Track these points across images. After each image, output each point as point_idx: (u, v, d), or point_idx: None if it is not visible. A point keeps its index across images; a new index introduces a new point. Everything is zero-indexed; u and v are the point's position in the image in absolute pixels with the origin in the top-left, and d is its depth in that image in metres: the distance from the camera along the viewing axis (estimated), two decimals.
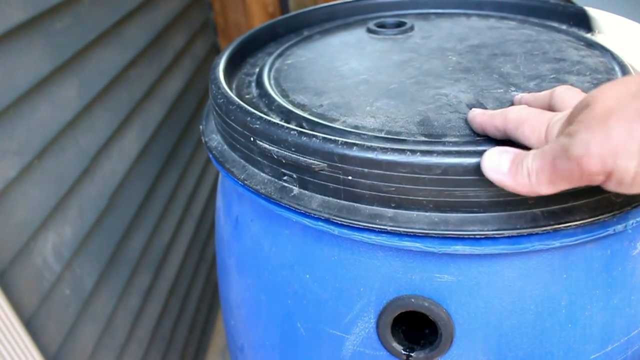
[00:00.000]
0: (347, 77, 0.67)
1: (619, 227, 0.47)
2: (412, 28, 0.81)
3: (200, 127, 0.67)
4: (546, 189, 0.39)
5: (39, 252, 0.87)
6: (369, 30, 0.81)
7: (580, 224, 0.46)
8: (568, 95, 0.47)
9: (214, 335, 1.76)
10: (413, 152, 0.44)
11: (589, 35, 0.74)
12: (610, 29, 0.73)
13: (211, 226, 1.74)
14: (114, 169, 1.12)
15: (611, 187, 0.37)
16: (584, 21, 0.77)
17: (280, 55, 0.76)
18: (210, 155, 0.61)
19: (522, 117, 0.45)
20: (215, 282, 1.77)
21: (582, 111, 0.37)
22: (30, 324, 0.84)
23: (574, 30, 0.77)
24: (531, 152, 0.40)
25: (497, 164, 0.42)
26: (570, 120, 0.39)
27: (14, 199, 0.82)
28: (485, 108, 0.55)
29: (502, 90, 0.59)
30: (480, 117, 0.50)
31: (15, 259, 0.81)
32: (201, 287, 1.64)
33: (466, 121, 0.53)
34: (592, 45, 0.69)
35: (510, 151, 0.42)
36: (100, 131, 1.07)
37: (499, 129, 0.47)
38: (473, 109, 0.52)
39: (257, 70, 0.73)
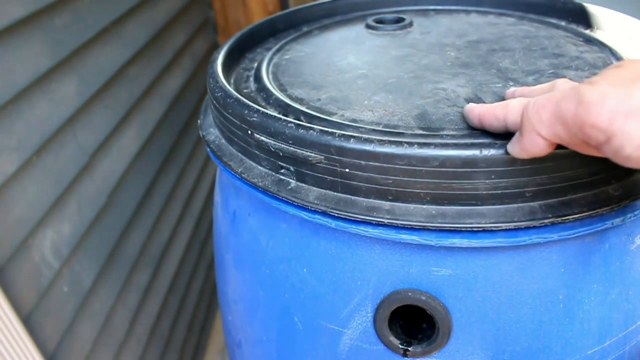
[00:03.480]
0: (346, 72, 0.66)
1: (617, 221, 0.47)
2: (411, 24, 0.81)
3: (198, 121, 0.66)
4: (545, 130, 0.38)
5: (37, 249, 0.87)
6: (368, 26, 0.81)
7: (579, 217, 0.45)
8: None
9: (213, 334, 1.76)
10: (410, 144, 0.44)
11: (587, 32, 0.74)
12: (609, 25, 0.73)
13: (210, 224, 1.73)
14: (113, 166, 1.12)
15: (606, 151, 0.35)
16: (582, 17, 0.77)
17: (278, 50, 0.75)
18: (208, 149, 0.60)
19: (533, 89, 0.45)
20: (214, 280, 1.77)
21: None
22: (29, 321, 0.84)
23: (573, 26, 0.76)
24: (530, 99, 0.40)
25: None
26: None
27: (12, 195, 0.82)
28: (484, 102, 0.55)
29: (500, 85, 0.59)
30: (479, 108, 0.49)
31: (14, 255, 0.81)
32: (200, 286, 1.64)
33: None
34: (591, 41, 0.69)
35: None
36: (99, 128, 1.07)
37: (499, 118, 0.46)
38: (469, 104, 0.52)
39: (255, 65, 0.72)
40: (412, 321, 0.55)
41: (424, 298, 0.50)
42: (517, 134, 0.42)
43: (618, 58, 0.62)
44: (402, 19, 0.82)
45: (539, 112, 0.38)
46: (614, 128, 0.34)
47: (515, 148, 0.42)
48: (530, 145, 0.40)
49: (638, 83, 0.33)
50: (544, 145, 0.40)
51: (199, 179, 1.65)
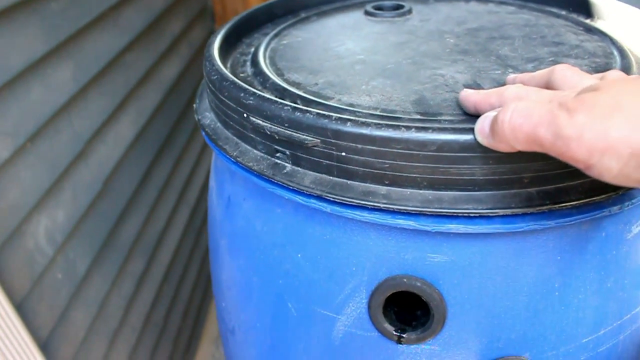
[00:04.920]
0: (343, 57, 0.66)
1: (615, 209, 0.47)
2: (410, 11, 0.80)
3: (194, 105, 0.66)
4: (520, 147, 0.39)
5: (31, 236, 0.87)
6: (367, 13, 0.81)
7: (576, 204, 0.45)
8: (570, 73, 0.45)
9: (207, 323, 1.76)
10: (408, 128, 0.44)
11: (588, 21, 0.73)
12: (610, 15, 0.72)
13: (206, 213, 1.73)
14: (108, 153, 1.11)
15: (586, 172, 0.36)
16: (583, 7, 0.76)
17: (276, 35, 0.75)
18: (203, 133, 0.60)
19: (521, 94, 0.44)
20: (209, 269, 1.76)
21: (588, 92, 0.36)
22: (22, 308, 0.83)
23: (574, 15, 0.76)
24: (512, 105, 0.39)
25: (481, 122, 0.42)
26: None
27: (6, 181, 0.81)
28: (482, 88, 0.55)
29: (499, 72, 0.58)
30: (475, 96, 0.48)
31: (7, 242, 0.81)
32: (195, 275, 1.64)
33: None
34: (591, 30, 0.69)
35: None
36: (95, 115, 1.06)
37: (495, 107, 0.45)
38: (465, 89, 0.51)
39: (252, 49, 0.72)
40: (407, 308, 0.55)
41: (419, 284, 0.50)
42: (491, 120, 0.41)
43: (618, 47, 0.62)
44: (401, 6, 0.81)
45: (515, 130, 0.38)
46: (592, 162, 0.34)
47: (484, 139, 0.42)
48: (502, 149, 0.41)
49: (616, 115, 0.33)
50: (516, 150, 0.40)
51: (195, 167, 1.65)
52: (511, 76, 0.53)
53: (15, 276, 0.82)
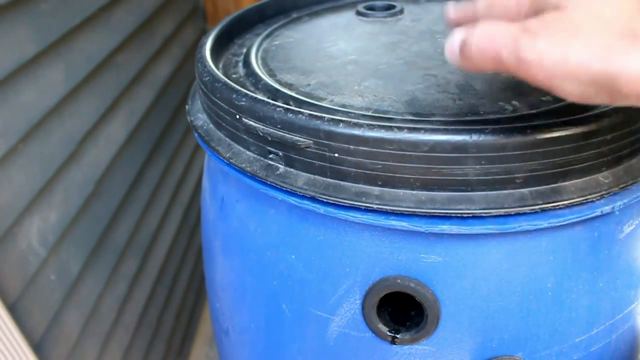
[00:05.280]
0: (335, 58, 0.66)
1: (607, 209, 0.47)
2: (401, 11, 0.80)
3: (187, 106, 0.66)
4: (489, 67, 0.39)
5: (23, 237, 0.86)
6: (359, 13, 0.81)
7: (568, 204, 0.45)
8: None
9: (201, 324, 1.76)
10: (400, 128, 0.44)
11: None
12: None
13: (199, 214, 1.72)
14: (100, 154, 1.10)
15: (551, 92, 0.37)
16: None
17: (268, 36, 0.75)
18: (196, 134, 0.60)
19: (494, 6, 0.43)
20: (202, 269, 1.76)
21: (552, 13, 0.35)
22: (15, 309, 0.83)
23: None
24: (479, 27, 0.39)
25: (451, 43, 0.41)
26: (537, 9, 0.37)
27: None
28: (475, 89, 0.55)
29: (491, 72, 0.58)
30: (453, 12, 0.49)
31: (0, 243, 0.80)
32: (188, 275, 1.63)
33: (455, 101, 0.53)
34: None
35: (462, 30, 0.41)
36: (87, 116, 1.05)
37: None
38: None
39: (244, 50, 0.72)
40: (401, 308, 0.55)
41: (412, 285, 0.50)
42: (460, 42, 0.40)
43: None
44: (393, 6, 0.81)
45: (481, 53, 0.38)
46: (553, 86, 0.35)
47: (454, 59, 0.41)
48: (472, 69, 0.41)
49: (577, 40, 0.33)
50: None
51: (188, 167, 1.65)
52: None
53: (8, 277, 0.82)
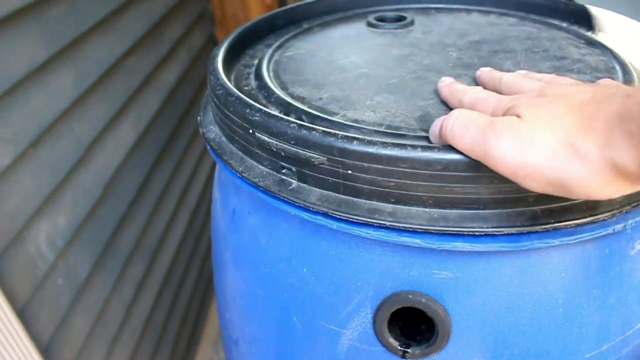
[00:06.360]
0: (347, 71, 0.66)
1: (618, 227, 0.47)
2: (412, 22, 0.80)
3: (198, 118, 0.66)
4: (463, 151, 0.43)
5: (32, 241, 0.87)
6: (369, 24, 0.81)
7: (580, 222, 0.45)
8: (512, 81, 0.50)
9: (206, 327, 1.76)
10: (414, 147, 0.44)
11: (589, 34, 0.74)
12: (611, 27, 0.73)
13: (205, 218, 1.73)
14: (108, 159, 1.11)
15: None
16: (584, 19, 0.77)
17: (279, 47, 0.75)
18: (208, 147, 0.60)
19: (478, 98, 0.48)
20: (208, 274, 1.77)
21: (514, 117, 0.40)
22: (23, 313, 0.83)
23: (575, 28, 0.76)
24: (455, 114, 0.44)
25: (433, 128, 0.47)
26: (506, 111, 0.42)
27: (7, 187, 0.81)
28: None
29: None
30: (445, 91, 0.55)
31: (9, 247, 0.81)
32: (194, 279, 1.64)
33: None
34: (593, 43, 0.69)
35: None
36: (95, 121, 1.06)
37: (457, 107, 0.50)
38: (443, 78, 0.57)
39: (256, 61, 0.72)
40: (412, 322, 0.55)
41: (424, 300, 0.50)
42: (441, 125, 0.45)
43: (620, 61, 0.62)
44: (404, 17, 0.81)
45: (454, 139, 0.43)
46: (517, 181, 0.39)
47: (435, 140, 0.47)
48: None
49: (534, 146, 0.37)
50: None
51: (195, 172, 1.65)
52: (478, 72, 0.59)
53: (17, 281, 0.82)
